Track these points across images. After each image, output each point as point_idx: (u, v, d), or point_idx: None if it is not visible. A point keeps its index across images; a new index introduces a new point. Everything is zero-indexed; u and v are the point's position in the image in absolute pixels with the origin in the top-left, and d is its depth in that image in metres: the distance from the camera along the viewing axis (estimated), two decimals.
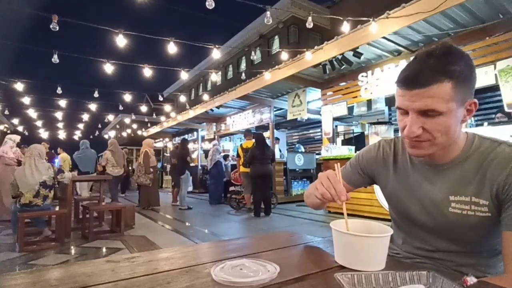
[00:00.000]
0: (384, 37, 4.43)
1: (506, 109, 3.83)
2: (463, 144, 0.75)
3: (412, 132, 0.68)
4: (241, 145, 6.38)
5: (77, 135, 19.22)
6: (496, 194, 0.68)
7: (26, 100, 9.46)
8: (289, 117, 7.34)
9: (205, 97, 9.24)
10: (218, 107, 8.48)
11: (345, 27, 4.63)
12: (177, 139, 13.22)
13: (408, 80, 0.67)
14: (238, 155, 6.39)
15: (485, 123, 3.97)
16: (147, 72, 6.01)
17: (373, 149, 0.94)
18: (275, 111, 8.27)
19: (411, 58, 0.70)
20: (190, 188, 9.19)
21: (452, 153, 0.74)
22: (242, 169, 5.94)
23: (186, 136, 13.35)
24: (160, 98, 11.42)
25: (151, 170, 6.23)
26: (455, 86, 0.64)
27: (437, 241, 0.79)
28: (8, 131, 13.76)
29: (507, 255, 0.64)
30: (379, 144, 0.94)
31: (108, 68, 5.73)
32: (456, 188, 0.73)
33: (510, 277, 0.62)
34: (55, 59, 5.08)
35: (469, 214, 0.71)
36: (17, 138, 5.47)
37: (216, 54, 5.63)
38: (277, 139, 8.74)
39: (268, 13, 4.53)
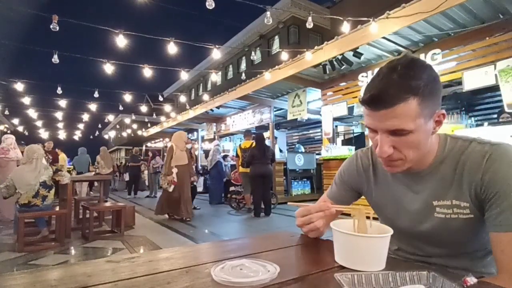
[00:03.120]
0: (384, 37, 4.43)
1: (506, 109, 3.83)
2: (436, 147, 0.74)
3: (384, 152, 0.67)
4: (239, 145, 6.38)
5: (77, 135, 19.25)
6: (475, 195, 0.67)
7: (26, 100, 9.47)
8: (289, 117, 7.34)
9: (205, 97, 9.25)
10: (218, 107, 8.49)
11: (345, 27, 4.63)
12: None
13: (373, 101, 0.64)
14: (237, 155, 6.39)
15: (485, 123, 3.97)
16: (147, 72, 6.02)
17: (352, 161, 0.93)
18: (275, 111, 8.27)
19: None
20: (200, 189, 9.09)
21: (428, 160, 0.74)
22: (241, 169, 5.95)
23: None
24: (160, 98, 11.45)
25: (174, 170, 4.95)
26: (421, 102, 0.63)
27: (429, 247, 0.79)
28: (8, 131, 13.76)
29: (496, 255, 0.64)
30: (357, 155, 0.93)
31: (108, 68, 5.73)
32: (437, 192, 0.73)
33: (502, 277, 0.61)
34: (55, 59, 5.09)
35: (453, 217, 0.71)
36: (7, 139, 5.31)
37: (216, 54, 5.64)
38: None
39: (268, 13, 4.53)
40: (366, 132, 8.21)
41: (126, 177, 13.61)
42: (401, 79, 0.62)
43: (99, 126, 20.75)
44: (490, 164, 0.65)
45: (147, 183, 11.38)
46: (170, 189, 4.86)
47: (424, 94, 0.63)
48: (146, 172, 10.96)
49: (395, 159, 0.69)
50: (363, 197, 0.95)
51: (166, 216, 5.28)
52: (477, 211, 0.68)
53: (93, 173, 8.02)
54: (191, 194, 5.31)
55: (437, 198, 0.73)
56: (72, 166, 8.37)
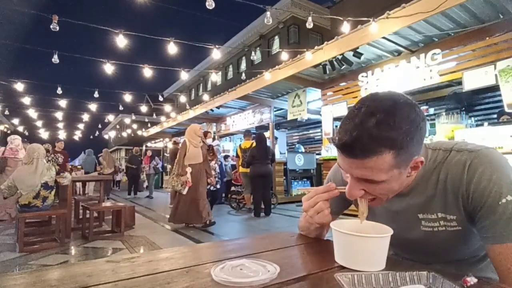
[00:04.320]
0: (384, 37, 4.43)
1: (506, 109, 3.83)
2: None
3: (352, 195, 0.66)
4: (239, 145, 6.38)
5: (77, 135, 19.25)
6: (463, 207, 0.66)
7: (26, 100, 9.47)
8: (289, 117, 7.34)
9: (205, 97, 9.25)
10: (218, 107, 8.48)
11: (345, 27, 4.63)
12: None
13: (344, 148, 0.60)
14: (237, 155, 6.39)
15: (485, 123, 3.97)
16: (147, 72, 6.02)
17: (337, 171, 0.91)
18: (275, 111, 8.27)
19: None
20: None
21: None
22: (241, 169, 5.95)
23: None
24: (160, 98, 11.44)
25: (189, 169, 4.28)
26: (397, 155, 0.57)
27: (421, 256, 0.78)
28: (8, 131, 13.76)
29: (495, 267, 0.63)
30: None
31: (108, 68, 5.73)
32: (422, 205, 0.72)
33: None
34: (55, 59, 5.09)
35: (440, 230, 0.70)
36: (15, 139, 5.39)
37: (216, 54, 5.64)
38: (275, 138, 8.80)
39: (268, 13, 4.53)
40: None
41: (118, 176, 13.67)
42: (378, 129, 0.55)
43: (99, 126, 20.75)
44: (472, 174, 0.63)
45: (145, 184, 11.35)
46: (184, 192, 4.21)
47: (402, 146, 0.57)
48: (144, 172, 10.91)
49: (367, 199, 0.68)
50: None
51: (182, 224, 4.50)
52: (465, 223, 0.67)
53: (98, 172, 9.01)
54: (211, 200, 4.58)
55: (422, 211, 0.72)
56: (80, 166, 9.50)
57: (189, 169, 4.26)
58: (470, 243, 0.71)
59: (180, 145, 4.51)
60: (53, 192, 3.53)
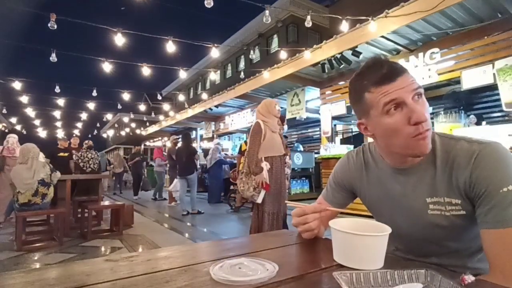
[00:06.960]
0: (383, 36, 4.43)
1: (504, 108, 3.84)
2: None
3: (424, 116, 0.66)
4: (245, 141, 6.34)
5: (76, 134, 19.17)
6: (465, 193, 0.68)
7: (24, 99, 9.43)
8: (288, 116, 7.33)
9: (204, 96, 9.25)
10: (217, 106, 8.48)
11: (344, 26, 4.63)
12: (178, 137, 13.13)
13: (389, 74, 0.67)
14: (239, 152, 6.34)
15: (483, 122, 3.98)
16: (146, 71, 6.00)
17: (344, 162, 0.94)
18: None
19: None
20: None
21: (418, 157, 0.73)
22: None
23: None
24: (159, 97, 11.42)
25: (265, 164, 2.77)
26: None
27: (424, 245, 0.79)
28: (6, 130, 13.71)
29: (487, 252, 0.64)
30: (348, 156, 0.94)
31: (107, 67, 5.71)
32: (430, 189, 0.73)
33: (493, 274, 0.62)
34: (53, 57, 5.07)
35: (446, 214, 0.71)
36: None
37: (215, 53, 5.62)
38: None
39: (267, 12, 4.52)
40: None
41: (127, 176, 13.59)
42: (391, 62, 0.70)
43: (98, 125, 20.69)
44: (478, 162, 0.65)
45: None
46: (259, 199, 2.74)
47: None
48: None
49: (429, 128, 0.67)
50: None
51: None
52: (469, 208, 0.69)
53: (109, 171, 10.16)
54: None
55: (429, 195, 0.73)
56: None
57: (265, 165, 2.76)
58: (473, 230, 0.72)
59: (253, 131, 2.82)
60: (51, 189, 3.53)
